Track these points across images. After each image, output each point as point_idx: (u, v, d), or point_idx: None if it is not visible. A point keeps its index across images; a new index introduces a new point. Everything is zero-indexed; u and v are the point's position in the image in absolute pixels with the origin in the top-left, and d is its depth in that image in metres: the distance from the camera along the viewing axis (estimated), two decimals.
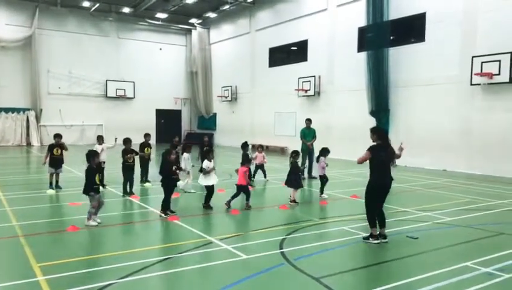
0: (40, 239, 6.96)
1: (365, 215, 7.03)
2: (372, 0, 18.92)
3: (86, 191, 7.65)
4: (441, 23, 16.99)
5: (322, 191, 10.77)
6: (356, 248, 6.69)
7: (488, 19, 15.46)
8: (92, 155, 7.78)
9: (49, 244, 6.75)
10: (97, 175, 7.81)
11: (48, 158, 11.31)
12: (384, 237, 6.88)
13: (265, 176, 13.61)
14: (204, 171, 9.14)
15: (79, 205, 9.10)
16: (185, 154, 11.39)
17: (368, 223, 6.93)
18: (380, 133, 7.03)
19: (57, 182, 11.44)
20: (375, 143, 6.92)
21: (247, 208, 9.27)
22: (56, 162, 11.29)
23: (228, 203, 9.25)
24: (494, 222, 8.42)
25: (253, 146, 14.86)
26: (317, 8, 22.95)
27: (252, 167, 12.14)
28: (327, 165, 10.93)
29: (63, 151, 11.44)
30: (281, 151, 24.41)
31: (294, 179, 10.00)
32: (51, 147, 11.34)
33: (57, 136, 11.56)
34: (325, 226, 8.04)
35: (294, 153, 10.31)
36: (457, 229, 7.85)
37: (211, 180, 9.17)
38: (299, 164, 10.88)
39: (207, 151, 9.76)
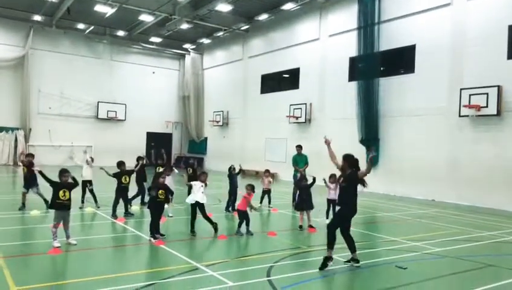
0: (21, 261, 6.75)
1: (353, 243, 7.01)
2: (363, 31, 19.36)
3: (50, 206, 7.82)
4: (430, 56, 17.37)
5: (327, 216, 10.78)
6: (344, 277, 6.59)
7: (475, 52, 15.84)
8: (60, 172, 7.93)
9: (29, 267, 6.54)
10: (63, 191, 7.69)
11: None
12: (357, 261, 6.95)
13: (269, 202, 13.35)
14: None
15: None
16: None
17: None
18: (352, 160, 7.11)
19: (45, 200, 11.16)
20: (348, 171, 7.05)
21: (248, 234, 9.14)
22: (26, 181, 11.29)
23: (237, 232, 9.14)
24: (483, 253, 8.38)
25: (256, 173, 14.72)
26: (309, 38, 23.38)
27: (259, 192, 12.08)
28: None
29: (33, 169, 11.02)
30: (272, 177, 24.30)
31: (306, 200, 10.10)
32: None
33: (29, 155, 11.77)
34: (314, 254, 7.90)
35: (304, 179, 10.49)
36: (446, 260, 7.78)
37: (192, 197, 9.02)
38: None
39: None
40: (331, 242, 6.83)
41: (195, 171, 12.61)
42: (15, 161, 27.21)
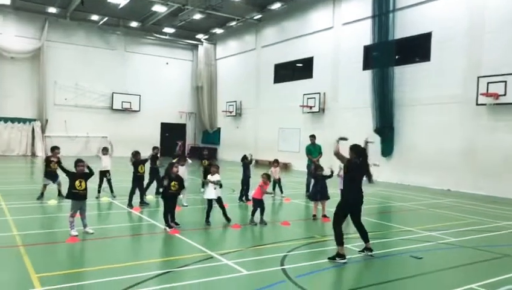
0: (40, 249, 6.90)
1: (365, 232, 7.00)
2: (377, 19, 19.08)
3: (67, 195, 7.92)
4: (447, 43, 17.05)
5: None
6: (359, 267, 6.59)
7: (493, 39, 15.50)
8: (76, 162, 8.04)
9: (48, 255, 6.69)
10: (79, 181, 7.79)
11: (44, 170, 11.52)
12: (370, 250, 6.91)
13: (281, 192, 13.34)
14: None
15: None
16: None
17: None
18: (357, 150, 7.05)
19: (59, 191, 11.44)
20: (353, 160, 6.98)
21: (262, 223, 9.18)
22: (52, 175, 11.37)
23: (251, 221, 9.20)
24: (499, 243, 8.29)
25: (269, 163, 14.74)
26: (323, 26, 23.14)
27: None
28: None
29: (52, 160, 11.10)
30: (285, 167, 24.33)
31: (321, 190, 10.00)
32: (47, 161, 11.38)
33: (56, 148, 11.52)
34: (327, 243, 7.89)
35: (319, 168, 10.33)
36: (462, 250, 7.72)
37: (206, 193, 9.13)
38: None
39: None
40: (338, 238, 6.68)
41: (211, 163, 12.65)
42: (32, 151, 27.72)
